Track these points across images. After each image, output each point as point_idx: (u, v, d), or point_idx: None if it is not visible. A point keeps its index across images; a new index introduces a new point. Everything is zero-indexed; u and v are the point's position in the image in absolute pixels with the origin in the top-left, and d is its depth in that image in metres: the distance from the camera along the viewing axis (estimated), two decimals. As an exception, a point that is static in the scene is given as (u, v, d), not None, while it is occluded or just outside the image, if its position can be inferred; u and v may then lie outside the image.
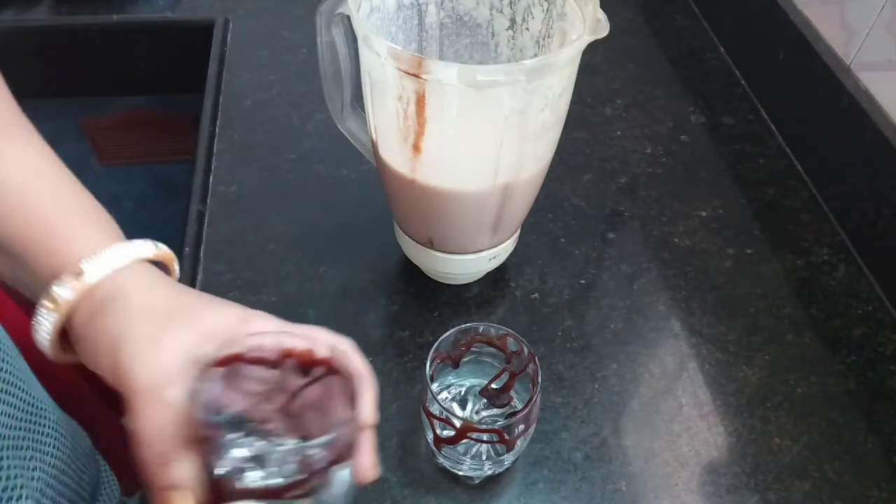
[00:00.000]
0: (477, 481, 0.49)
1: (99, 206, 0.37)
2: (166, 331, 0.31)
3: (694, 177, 0.71)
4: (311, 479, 0.31)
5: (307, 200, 0.65)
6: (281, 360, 0.33)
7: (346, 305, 0.57)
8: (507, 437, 0.44)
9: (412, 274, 0.60)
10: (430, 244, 0.54)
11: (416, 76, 0.41)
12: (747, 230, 0.66)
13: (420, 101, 0.43)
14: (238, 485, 0.30)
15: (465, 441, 0.44)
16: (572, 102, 0.48)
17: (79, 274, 0.32)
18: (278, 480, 0.30)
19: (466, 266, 0.56)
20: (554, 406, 0.52)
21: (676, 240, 0.65)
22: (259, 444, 0.30)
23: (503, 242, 0.56)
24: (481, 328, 0.48)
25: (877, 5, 0.62)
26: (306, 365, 0.33)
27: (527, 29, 0.52)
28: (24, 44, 0.85)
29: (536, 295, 0.59)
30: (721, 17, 0.87)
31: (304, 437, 0.31)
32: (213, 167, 0.67)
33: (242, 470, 0.30)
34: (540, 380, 0.45)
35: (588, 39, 0.43)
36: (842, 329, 0.59)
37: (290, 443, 0.31)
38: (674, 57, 0.85)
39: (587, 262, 0.62)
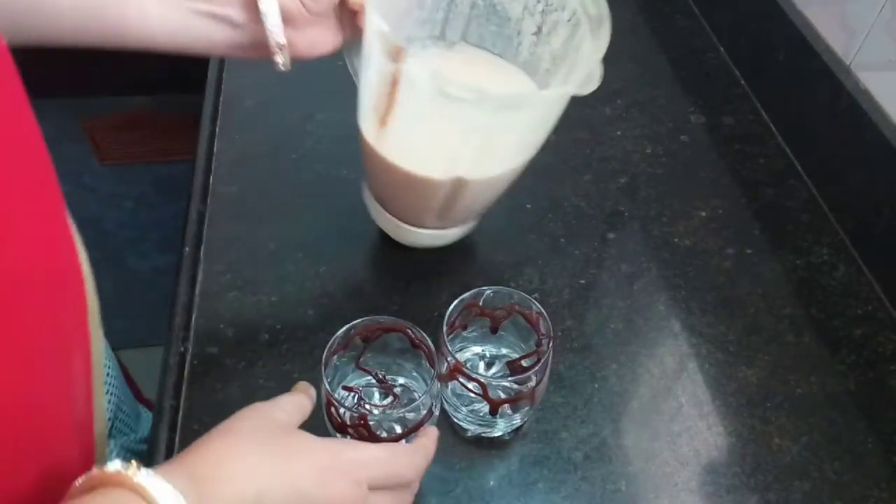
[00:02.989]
0: (468, 434, 0.50)
1: None
2: None
3: (694, 177, 0.71)
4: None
5: (307, 200, 0.65)
6: None
7: (346, 305, 0.57)
8: (490, 396, 0.46)
9: (412, 274, 0.60)
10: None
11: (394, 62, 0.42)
12: (747, 230, 0.66)
13: (394, 84, 0.44)
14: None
15: (453, 382, 0.46)
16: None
17: None
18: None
19: (412, 237, 0.57)
20: (554, 406, 0.52)
21: (676, 240, 0.65)
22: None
23: (451, 229, 0.57)
24: (516, 296, 0.49)
25: (877, 5, 0.62)
26: None
27: (548, 43, 0.52)
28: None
29: (536, 295, 0.59)
30: (721, 17, 0.87)
31: None
32: (213, 167, 0.67)
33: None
34: (548, 370, 0.46)
35: (570, 92, 0.43)
36: (842, 329, 0.59)
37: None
38: (674, 57, 0.85)
39: (587, 262, 0.62)
